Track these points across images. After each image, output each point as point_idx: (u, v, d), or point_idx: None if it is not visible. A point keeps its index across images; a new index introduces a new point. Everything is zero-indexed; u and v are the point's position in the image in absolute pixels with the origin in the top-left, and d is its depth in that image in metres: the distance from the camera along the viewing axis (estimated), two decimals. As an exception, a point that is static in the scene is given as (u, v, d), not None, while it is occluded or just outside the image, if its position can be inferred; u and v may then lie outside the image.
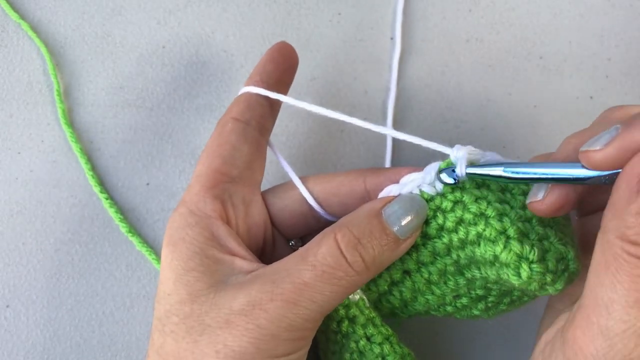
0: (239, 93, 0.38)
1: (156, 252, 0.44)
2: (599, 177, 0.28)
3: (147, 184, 0.46)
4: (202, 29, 0.49)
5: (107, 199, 0.44)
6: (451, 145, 0.33)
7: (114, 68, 0.48)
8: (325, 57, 0.49)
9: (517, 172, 0.30)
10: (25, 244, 0.44)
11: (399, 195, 0.33)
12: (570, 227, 0.33)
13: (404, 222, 0.32)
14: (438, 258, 0.33)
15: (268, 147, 0.38)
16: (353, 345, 0.34)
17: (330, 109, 0.47)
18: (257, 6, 0.50)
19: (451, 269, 0.33)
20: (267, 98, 0.37)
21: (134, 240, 0.43)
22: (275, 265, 0.32)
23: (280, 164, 0.38)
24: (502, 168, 0.31)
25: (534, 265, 0.29)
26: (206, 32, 0.49)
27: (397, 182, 0.34)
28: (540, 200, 0.30)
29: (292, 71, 0.39)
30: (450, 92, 0.49)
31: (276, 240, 0.38)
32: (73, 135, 0.45)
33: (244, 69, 0.48)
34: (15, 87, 0.47)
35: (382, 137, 0.47)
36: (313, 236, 0.36)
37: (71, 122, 0.46)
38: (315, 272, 0.30)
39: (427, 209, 0.32)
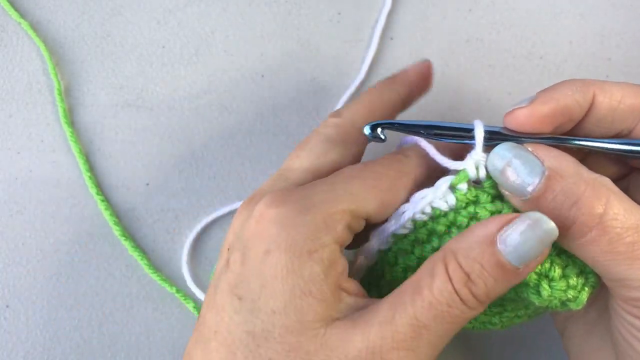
0: (416, 143, 0.33)
1: (153, 252, 0.44)
2: None
3: (147, 184, 0.46)
4: (202, 29, 0.49)
5: (102, 200, 0.44)
6: (453, 153, 0.33)
7: (114, 68, 0.48)
8: (325, 57, 0.49)
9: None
10: (25, 244, 0.44)
11: (520, 215, 0.28)
12: None
13: (524, 251, 0.27)
14: None
15: None
16: None
17: (330, 108, 0.47)
18: (257, 6, 0.50)
19: None
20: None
21: (127, 244, 0.43)
22: (388, 300, 0.29)
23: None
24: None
25: (554, 284, 0.28)
26: (206, 32, 0.49)
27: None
28: (525, 105, 0.30)
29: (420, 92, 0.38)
30: (450, 92, 0.49)
31: None
32: (73, 135, 0.45)
33: (244, 69, 0.48)
34: (15, 87, 0.47)
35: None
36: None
37: (71, 122, 0.46)
38: (432, 311, 0.27)
39: (555, 229, 0.28)
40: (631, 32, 0.51)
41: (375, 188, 0.31)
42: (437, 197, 0.31)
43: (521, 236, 0.27)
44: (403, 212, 0.32)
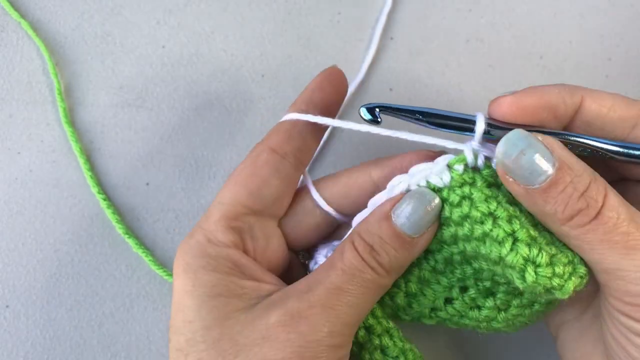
0: (282, 119, 0.36)
1: (153, 252, 0.44)
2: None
3: (147, 184, 0.46)
4: (202, 28, 0.49)
5: (104, 199, 0.44)
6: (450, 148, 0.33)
7: (114, 68, 0.48)
8: (325, 57, 0.49)
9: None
10: (25, 244, 0.44)
11: (407, 192, 0.32)
12: None
13: (415, 221, 0.31)
14: (445, 246, 0.33)
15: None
16: (367, 356, 0.33)
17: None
18: (257, 6, 0.50)
19: (457, 258, 0.33)
20: (310, 128, 0.35)
21: (131, 241, 0.43)
22: (305, 279, 0.31)
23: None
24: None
25: (540, 269, 0.29)
26: (206, 32, 0.49)
27: (404, 170, 0.34)
28: (510, 94, 0.32)
29: (340, 100, 0.37)
30: (450, 92, 0.49)
31: (292, 263, 0.37)
32: (74, 135, 0.45)
33: (244, 69, 0.48)
34: (15, 86, 0.47)
35: (382, 138, 0.47)
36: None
37: (71, 122, 0.46)
38: (345, 276, 0.30)
39: (439, 201, 0.32)
40: (631, 32, 0.51)
41: (237, 184, 0.34)
42: (434, 172, 0.32)
43: (410, 207, 0.31)
44: (399, 182, 0.33)
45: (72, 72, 0.48)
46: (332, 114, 0.36)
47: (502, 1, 0.51)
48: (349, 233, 0.33)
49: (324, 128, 0.36)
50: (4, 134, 0.46)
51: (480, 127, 0.32)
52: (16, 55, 0.48)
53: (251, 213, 0.34)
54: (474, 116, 0.32)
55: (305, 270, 0.37)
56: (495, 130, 0.32)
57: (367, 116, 0.33)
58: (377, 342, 0.33)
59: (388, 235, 0.31)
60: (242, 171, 0.34)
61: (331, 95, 0.36)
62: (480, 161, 0.32)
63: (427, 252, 0.34)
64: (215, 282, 0.31)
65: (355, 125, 0.34)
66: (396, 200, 0.32)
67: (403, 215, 0.31)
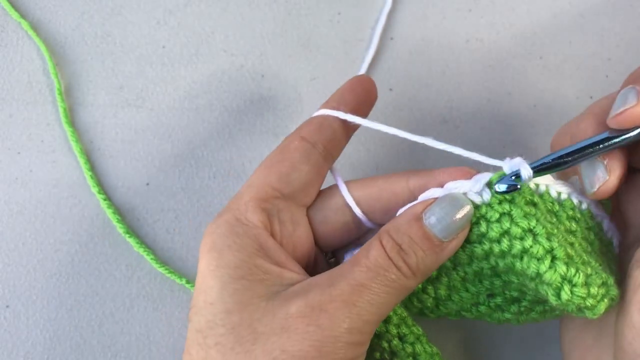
0: (314, 115, 0.37)
1: (155, 252, 0.44)
2: None
3: (147, 184, 0.46)
4: (202, 28, 0.49)
5: (105, 199, 0.44)
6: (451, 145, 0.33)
7: (113, 68, 0.48)
8: (325, 57, 0.49)
9: (570, 148, 0.31)
10: (25, 244, 0.44)
11: (441, 196, 0.32)
12: (613, 253, 0.33)
13: (446, 224, 0.31)
14: (475, 261, 0.33)
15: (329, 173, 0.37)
16: (385, 344, 0.34)
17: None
18: (257, 6, 0.50)
19: (488, 272, 0.33)
20: (341, 124, 0.36)
21: (131, 241, 0.43)
22: (328, 273, 0.31)
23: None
24: (562, 152, 0.31)
25: (576, 289, 0.29)
26: (206, 32, 0.49)
27: (442, 183, 0.33)
28: (607, 180, 0.31)
29: (369, 105, 0.38)
30: (450, 92, 0.49)
31: (317, 260, 0.37)
32: (74, 135, 0.45)
33: (244, 69, 0.48)
34: (15, 86, 0.47)
35: (386, 138, 0.47)
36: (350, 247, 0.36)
37: (71, 122, 0.46)
38: (369, 273, 0.30)
39: (472, 207, 0.31)
40: (631, 32, 0.51)
41: (267, 168, 0.34)
42: (474, 189, 0.32)
43: (442, 211, 0.31)
44: (431, 196, 0.33)
45: (72, 72, 0.48)
46: (362, 116, 0.37)
47: (502, 1, 0.51)
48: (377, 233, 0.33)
49: (353, 127, 0.37)
50: (4, 134, 0.46)
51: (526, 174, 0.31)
52: (16, 55, 0.48)
53: (280, 197, 0.34)
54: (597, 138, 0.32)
55: None
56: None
57: (504, 188, 0.32)
58: (410, 349, 0.34)
59: (418, 236, 0.31)
60: (272, 157, 0.35)
61: (361, 96, 0.37)
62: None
63: (457, 264, 0.34)
64: (239, 263, 0.31)
65: (384, 127, 0.35)
66: (428, 203, 0.32)
67: (434, 217, 0.31)
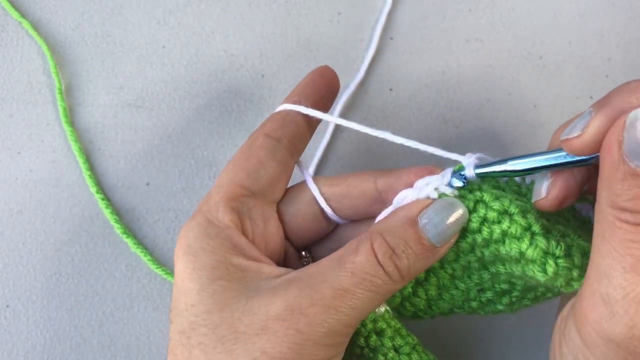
0: (276, 110, 0.37)
1: (153, 252, 0.44)
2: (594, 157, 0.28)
3: (147, 184, 0.46)
4: (202, 29, 0.49)
5: (103, 199, 0.44)
6: (451, 145, 0.33)
7: (114, 68, 0.48)
8: (325, 57, 0.49)
9: (520, 164, 0.31)
10: (25, 244, 0.44)
11: (436, 200, 0.32)
12: (591, 227, 0.34)
13: (442, 230, 0.31)
14: (461, 255, 0.33)
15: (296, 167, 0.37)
16: (381, 358, 0.34)
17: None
18: (257, 6, 0.50)
19: (475, 265, 0.33)
20: (303, 118, 0.36)
21: (129, 241, 0.43)
22: (309, 269, 0.31)
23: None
24: (507, 163, 0.31)
25: (560, 261, 0.29)
26: (206, 32, 0.49)
27: (409, 183, 0.34)
28: (544, 197, 0.31)
29: (332, 96, 0.38)
30: (450, 92, 0.49)
31: (287, 255, 0.37)
32: (73, 135, 0.45)
33: (244, 69, 0.48)
34: (15, 86, 0.47)
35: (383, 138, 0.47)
36: (322, 243, 0.36)
37: (71, 122, 0.46)
38: (354, 279, 0.30)
39: (466, 211, 0.32)
40: (631, 32, 0.51)
41: (235, 167, 0.35)
42: (444, 183, 0.32)
43: (438, 216, 0.31)
44: (404, 198, 0.33)
45: (72, 72, 0.48)
46: (325, 109, 0.37)
47: (502, 1, 0.51)
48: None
49: (316, 120, 0.37)
50: (4, 134, 0.46)
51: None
52: (16, 55, 0.48)
53: (249, 194, 0.34)
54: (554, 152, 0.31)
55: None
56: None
57: (460, 183, 0.33)
58: (389, 344, 0.34)
59: (413, 240, 0.31)
60: (239, 156, 0.35)
61: (322, 89, 0.37)
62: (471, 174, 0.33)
63: (444, 262, 0.34)
64: (216, 264, 0.31)
65: (342, 121, 0.35)
66: (423, 206, 0.32)
67: (431, 223, 0.31)
